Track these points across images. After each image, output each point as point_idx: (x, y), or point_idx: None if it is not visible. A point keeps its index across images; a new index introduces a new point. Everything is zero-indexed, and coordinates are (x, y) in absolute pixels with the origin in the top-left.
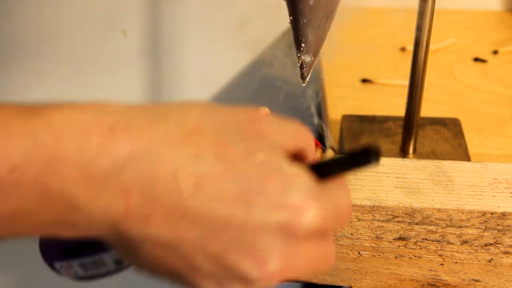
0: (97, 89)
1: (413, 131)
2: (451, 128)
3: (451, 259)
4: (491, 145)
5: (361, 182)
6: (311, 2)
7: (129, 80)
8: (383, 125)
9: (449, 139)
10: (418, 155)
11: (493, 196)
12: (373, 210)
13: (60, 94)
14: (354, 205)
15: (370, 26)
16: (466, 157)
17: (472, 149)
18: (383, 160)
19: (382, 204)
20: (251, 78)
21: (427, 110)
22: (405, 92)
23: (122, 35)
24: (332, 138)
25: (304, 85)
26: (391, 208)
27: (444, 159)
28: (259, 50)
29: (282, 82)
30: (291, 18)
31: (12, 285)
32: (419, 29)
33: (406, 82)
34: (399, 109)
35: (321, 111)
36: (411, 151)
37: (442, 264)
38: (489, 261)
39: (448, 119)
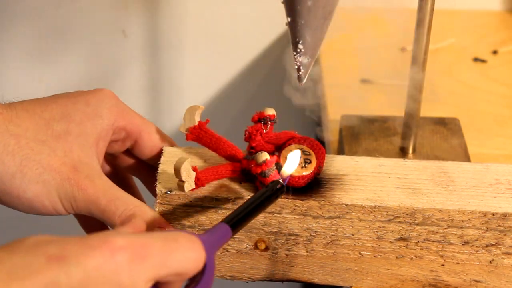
0: None
1: (412, 131)
2: (450, 128)
3: (452, 259)
4: (490, 145)
5: (362, 183)
6: (309, 4)
7: (129, 80)
8: (383, 125)
9: (449, 139)
10: (418, 155)
11: (495, 197)
12: (374, 211)
13: None
14: (355, 206)
15: (370, 26)
16: (466, 157)
17: (471, 149)
18: (385, 161)
19: (383, 205)
20: (251, 79)
21: (426, 110)
22: (405, 92)
23: (122, 35)
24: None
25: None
26: (392, 209)
27: (443, 159)
28: (259, 51)
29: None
30: (289, 19)
31: None
32: (418, 29)
33: (406, 82)
34: (398, 109)
35: (320, 111)
36: (410, 151)
37: (443, 265)
38: (490, 261)
39: (448, 119)
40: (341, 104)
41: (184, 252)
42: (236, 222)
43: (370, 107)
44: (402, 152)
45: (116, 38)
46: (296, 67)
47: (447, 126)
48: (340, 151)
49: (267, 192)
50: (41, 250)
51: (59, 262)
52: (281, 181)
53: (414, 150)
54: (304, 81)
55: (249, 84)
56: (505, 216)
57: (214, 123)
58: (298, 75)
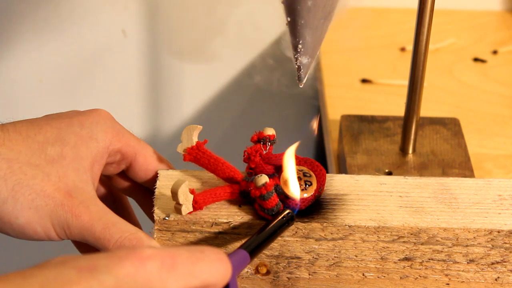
0: (96, 89)
1: (412, 131)
2: (450, 128)
3: (457, 278)
4: (490, 145)
5: (364, 202)
6: (309, 4)
7: (129, 80)
8: (383, 125)
9: (449, 138)
10: (418, 155)
11: (499, 214)
12: (378, 231)
13: (60, 94)
14: (358, 227)
15: (370, 26)
16: (466, 157)
17: (471, 149)
18: (385, 179)
19: (387, 225)
20: (250, 80)
21: (426, 110)
22: (404, 92)
23: (122, 35)
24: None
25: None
26: (397, 229)
27: (443, 159)
28: (258, 51)
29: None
30: (288, 19)
31: None
32: (418, 29)
33: (405, 82)
34: (398, 109)
35: (320, 112)
36: (410, 151)
37: (448, 284)
38: (496, 279)
39: (448, 119)
40: (341, 104)
41: (211, 262)
42: (254, 248)
43: (370, 107)
44: (402, 152)
45: (116, 38)
46: (296, 67)
47: (447, 126)
48: (340, 151)
49: (282, 220)
50: (71, 264)
51: (91, 272)
52: (290, 210)
53: (414, 150)
54: (304, 81)
55: (249, 84)
56: (510, 233)
57: (213, 123)
58: (298, 75)
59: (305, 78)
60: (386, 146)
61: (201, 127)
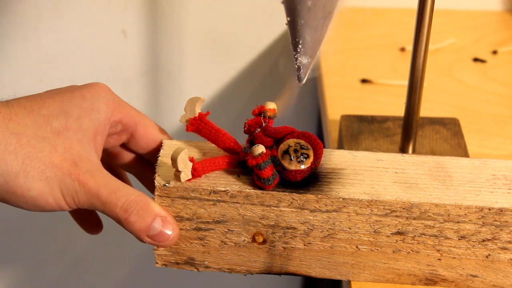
0: None
1: (412, 131)
2: (450, 128)
3: (449, 254)
4: (490, 145)
5: (360, 177)
6: (309, 4)
7: (129, 80)
8: (383, 125)
9: (448, 139)
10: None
11: (491, 192)
12: (371, 205)
13: None
14: (352, 199)
15: (370, 26)
16: (466, 157)
17: (471, 149)
18: (383, 156)
19: (380, 199)
20: (251, 79)
21: (426, 110)
22: (404, 92)
23: (122, 35)
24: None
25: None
26: (389, 203)
27: None
28: (259, 51)
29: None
30: (288, 19)
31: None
32: (418, 29)
33: (405, 82)
34: (398, 109)
35: (320, 111)
36: (410, 151)
37: (439, 259)
38: (487, 256)
39: (447, 119)
40: (341, 104)
41: None
42: None
43: (370, 107)
44: (402, 152)
45: (116, 38)
46: (296, 67)
47: (447, 126)
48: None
49: None
50: None
51: None
52: None
53: (413, 150)
54: (304, 81)
55: (249, 84)
56: (501, 211)
57: (213, 122)
58: (298, 75)
59: (305, 78)
60: (386, 146)
61: (204, 98)
